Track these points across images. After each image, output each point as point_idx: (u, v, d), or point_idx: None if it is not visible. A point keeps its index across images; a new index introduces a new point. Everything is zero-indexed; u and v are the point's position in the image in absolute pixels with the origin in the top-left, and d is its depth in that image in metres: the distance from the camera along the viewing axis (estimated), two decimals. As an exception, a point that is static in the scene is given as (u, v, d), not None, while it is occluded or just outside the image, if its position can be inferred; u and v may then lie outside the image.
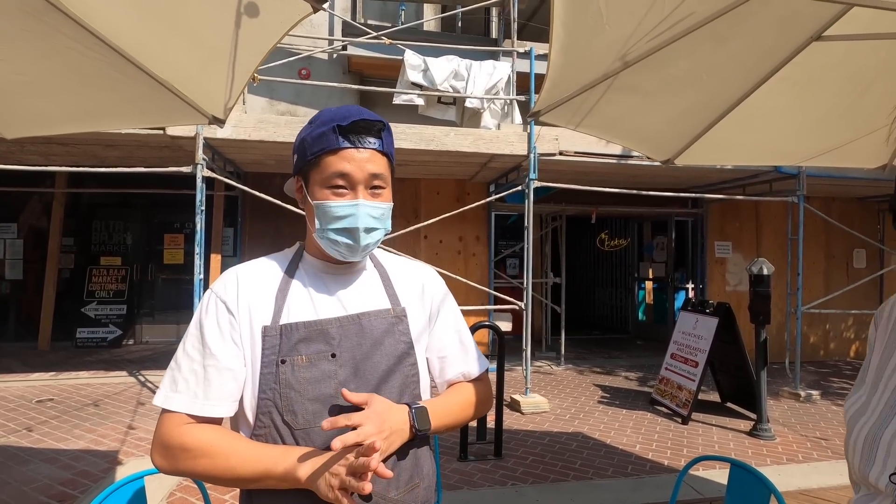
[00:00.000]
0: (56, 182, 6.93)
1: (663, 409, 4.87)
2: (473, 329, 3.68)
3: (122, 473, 3.32)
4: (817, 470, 3.58)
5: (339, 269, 1.00)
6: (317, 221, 0.95)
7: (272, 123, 4.82)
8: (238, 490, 0.96)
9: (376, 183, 0.95)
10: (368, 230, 0.94)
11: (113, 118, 2.04)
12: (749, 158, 2.56)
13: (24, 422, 4.24)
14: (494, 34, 7.37)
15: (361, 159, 0.92)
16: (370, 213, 0.94)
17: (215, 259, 6.28)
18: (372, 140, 0.94)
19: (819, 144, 2.18)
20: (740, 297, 7.18)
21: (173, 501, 2.95)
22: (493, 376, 3.72)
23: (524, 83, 5.53)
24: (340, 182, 0.93)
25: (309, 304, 0.95)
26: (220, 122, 1.85)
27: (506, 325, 6.69)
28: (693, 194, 6.71)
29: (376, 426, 0.85)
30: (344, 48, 6.46)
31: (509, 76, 5.68)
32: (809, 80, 1.83)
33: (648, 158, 2.56)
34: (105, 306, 7.19)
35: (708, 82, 1.81)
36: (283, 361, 0.89)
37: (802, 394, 5.34)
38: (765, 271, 4.19)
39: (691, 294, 7.77)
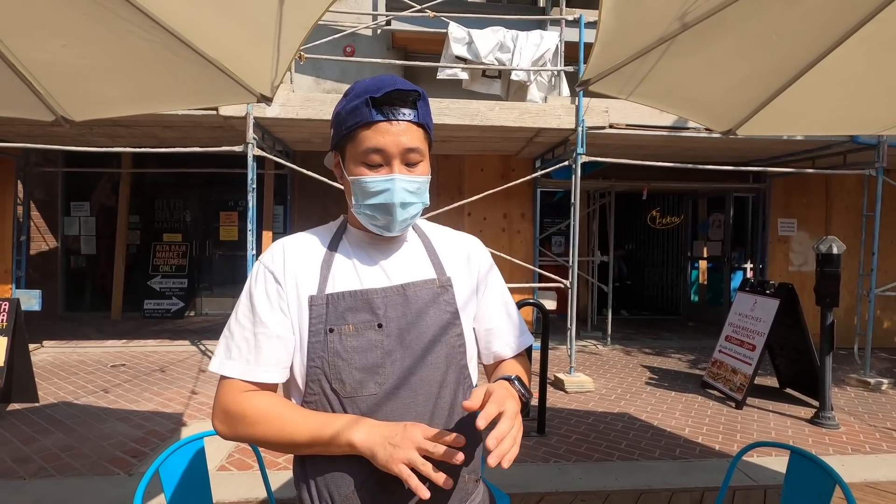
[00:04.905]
0: (122, 162, 7.37)
1: (715, 392, 4.69)
2: (517, 306, 3.63)
3: (185, 434, 3.57)
4: (886, 462, 3.36)
5: (382, 240, 1.00)
6: (353, 197, 0.95)
7: (318, 101, 4.88)
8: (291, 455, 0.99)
9: (412, 157, 0.92)
10: (405, 205, 0.93)
11: (168, 99, 2.11)
12: (821, 128, 2.34)
13: (101, 384, 4.63)
14: (542, 2, 7.09)
15: (396, 132, 0.90)
16: (406, 187, 0.92)
17: (267, 236, 6.52)
18: (407, 111, 0.90)
19: (905, 110, 1.96)
20: (805, 279, 6.74)
21: (232, 462, 3.15)
22: (536, 354, 3.69)
23: (573, 53, 5.30)
24: (375, 157, 0.90)
25: (353, 274, 0.96)
26: (267, 100, 1.88)
27: (550, 304, 6.60)
28: (755, 168, 6.29)
29: (514, 405, 0.85)
30: (388, 23, 6.41)
31: (557, 46, 5.46)
32: (894, 39, 1.64)
33: (707, 130, 2.41)
34: (168, 280, 7.67)
35: (777, 44, 1.65)
36: (330, 330, 0.91)
37: (872, 381, 5.00)
38: (834, 250, 3.90)
39: (750, 274, 7.37)
